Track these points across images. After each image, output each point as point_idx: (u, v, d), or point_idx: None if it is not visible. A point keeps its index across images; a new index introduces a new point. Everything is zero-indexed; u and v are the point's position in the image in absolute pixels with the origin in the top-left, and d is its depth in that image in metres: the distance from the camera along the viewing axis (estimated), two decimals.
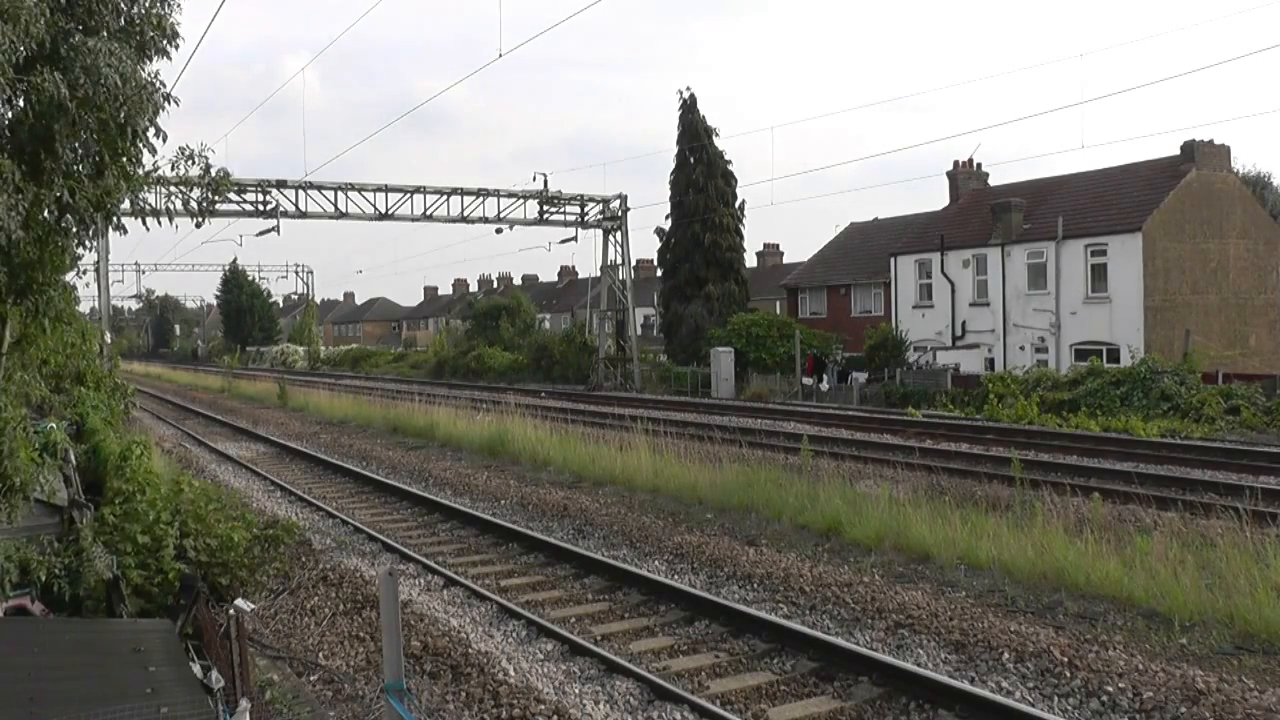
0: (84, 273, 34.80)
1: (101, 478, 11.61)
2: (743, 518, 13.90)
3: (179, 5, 6.72)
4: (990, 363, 37.34)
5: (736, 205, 46.87)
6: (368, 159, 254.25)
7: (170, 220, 7.37)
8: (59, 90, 5.57)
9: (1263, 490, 13.91)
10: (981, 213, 39.86)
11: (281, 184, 38.71)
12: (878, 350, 37.33)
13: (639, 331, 50.18)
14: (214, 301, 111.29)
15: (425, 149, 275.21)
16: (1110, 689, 7.26)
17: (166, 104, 6.51)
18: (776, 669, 8.20)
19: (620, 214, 45.51)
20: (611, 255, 46.55)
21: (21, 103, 6.02)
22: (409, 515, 15.53)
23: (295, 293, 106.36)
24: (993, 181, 44.07)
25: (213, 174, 7.15)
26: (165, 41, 6.51)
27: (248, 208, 38.62)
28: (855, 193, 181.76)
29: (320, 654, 8.90)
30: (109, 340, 30.08)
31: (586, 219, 45.08)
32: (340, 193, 39.78)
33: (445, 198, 41.60)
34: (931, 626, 8.84)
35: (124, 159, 6.51)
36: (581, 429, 23.54)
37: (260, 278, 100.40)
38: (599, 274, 48.32)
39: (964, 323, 39.21)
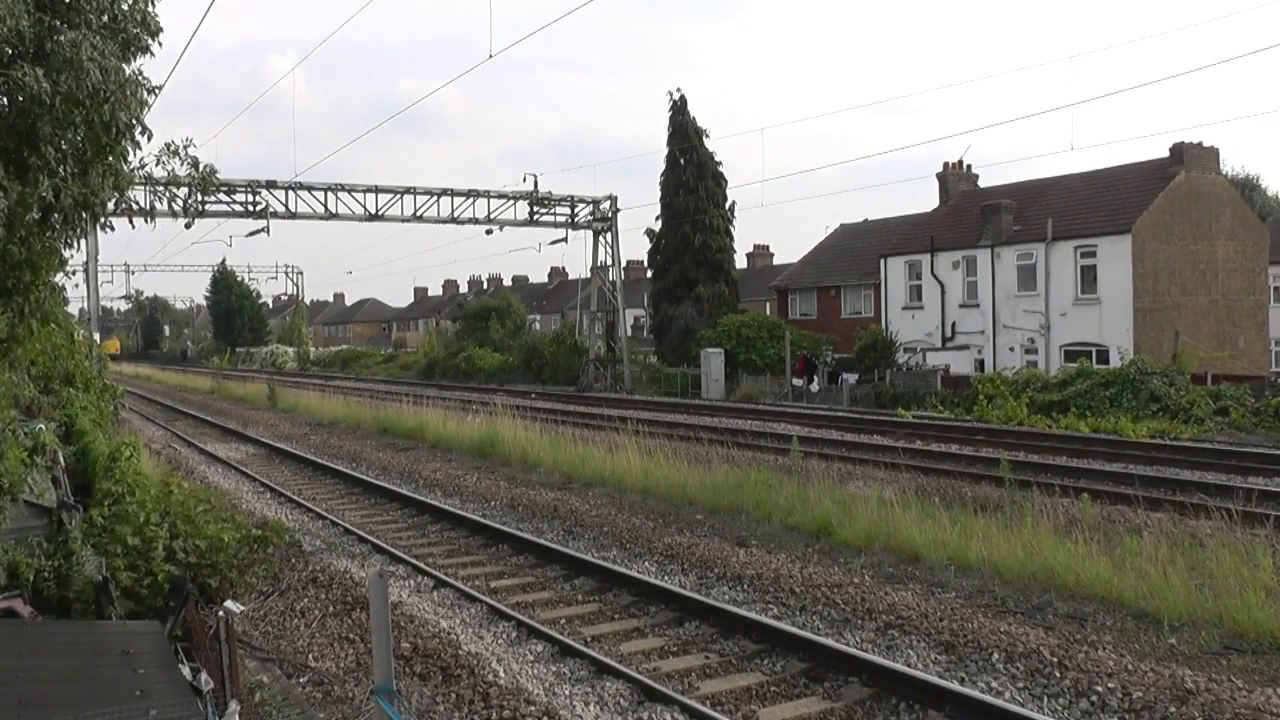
0: (72, 273, 34.60)
1: (90, 479, 11.53)
2: (733, 519, 13.90)
3: None
4: (980, 364, 37.44)
5: (727, 206, 46.89)
6: (357, 160, 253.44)
7: (152, 219, 7.32)
8: (39, 85, 5.52)
9: (1252, 491, 13.95)
10: (971, 214, 39.98)
11: (271, 184, 38.63)
12: (868, 351, 37.40)
13: (629, 333, 50.16)
14: (203, 302, 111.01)
15: (415, 150, 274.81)
16: (1100, 689, 7.27)
17: (151, 97, 6.46)
18: (766, 670, 8.20)
19: (610, 215, 45.49)
20: (602, 256, 46.57)
21: (4, 100, 5.97)
22: (399, 517, 15.49)
23: (285, 294, 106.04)
24: (983, 183, 44.21)
25: (200, 170, 7.08)
26: (149, 38, 6.45)
27: (237, 208, 38.55)
28: (845, 194, 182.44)
29: (310, 656, 8.87)
30: (97, 341, 29.94)
31: (576, 220, 45.04)
32: (330, 193, 39.71)
33: (435, 199, 41.54)
34: (921, 627, 8.85)
35: (109, 156, 6.45)
36: (571, 430, 23.51)
37: (250, 279, 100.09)
38: (589, 275, 48.29)
39: (954, 324, 39.32)
